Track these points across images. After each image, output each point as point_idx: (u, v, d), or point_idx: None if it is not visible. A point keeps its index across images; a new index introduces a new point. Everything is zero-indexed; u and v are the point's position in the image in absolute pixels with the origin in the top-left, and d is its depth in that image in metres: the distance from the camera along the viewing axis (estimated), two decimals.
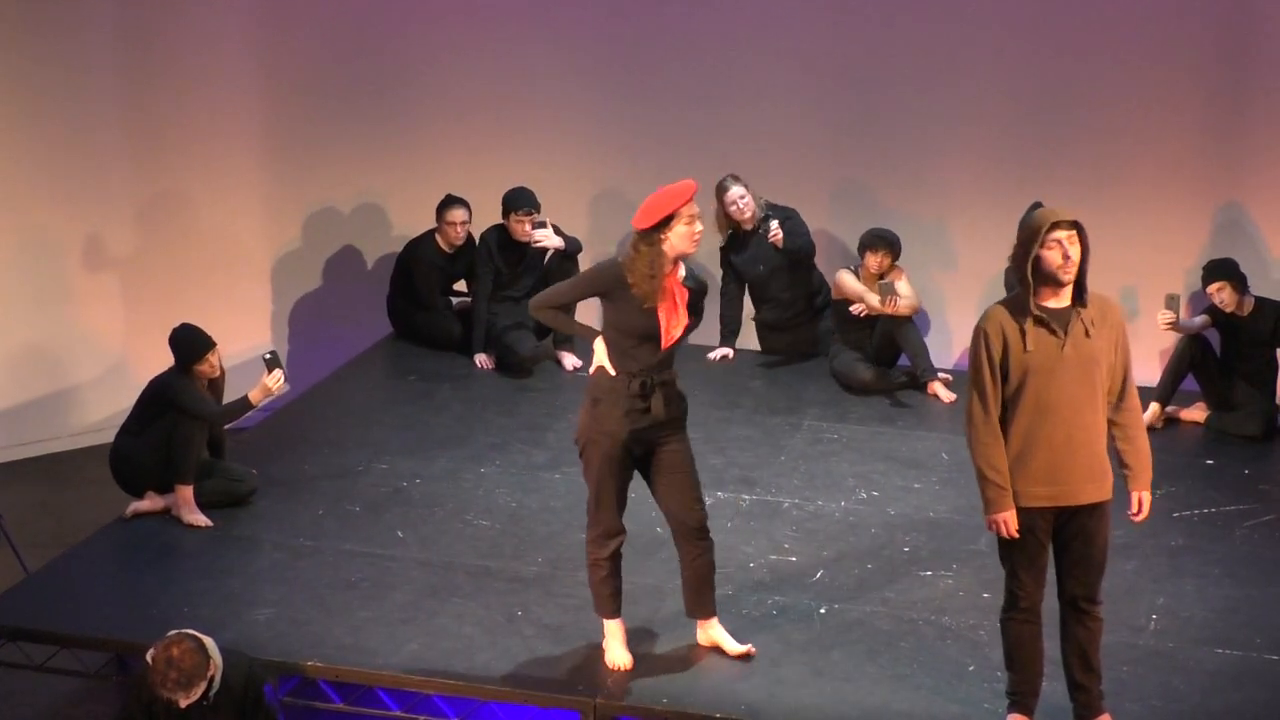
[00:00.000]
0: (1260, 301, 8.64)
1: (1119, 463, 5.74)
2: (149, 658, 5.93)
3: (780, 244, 9.24)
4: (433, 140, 10.21)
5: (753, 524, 7.64)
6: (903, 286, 9.06)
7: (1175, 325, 8.53)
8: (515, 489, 8.00)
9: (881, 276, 9.14)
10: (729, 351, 9.70)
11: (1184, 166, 9.37)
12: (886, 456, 8.37)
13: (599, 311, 6.24)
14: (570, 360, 9.51)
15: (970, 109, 9.59)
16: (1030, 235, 5.56)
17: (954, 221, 9.75)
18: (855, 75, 9.71)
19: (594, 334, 6.20)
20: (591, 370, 6.20)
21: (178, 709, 5.93)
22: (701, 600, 6.43)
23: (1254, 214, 9.35)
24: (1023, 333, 5.59)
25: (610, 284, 6.07)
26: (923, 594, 6.97)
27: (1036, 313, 5.59)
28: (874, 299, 9.09)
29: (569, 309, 6.34)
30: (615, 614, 6.40)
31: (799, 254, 9.37)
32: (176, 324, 7.76)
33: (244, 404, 7.64)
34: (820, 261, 9.61)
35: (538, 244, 9.38)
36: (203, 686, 5.90)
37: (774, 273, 9.47)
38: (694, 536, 6.30)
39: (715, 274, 9.67)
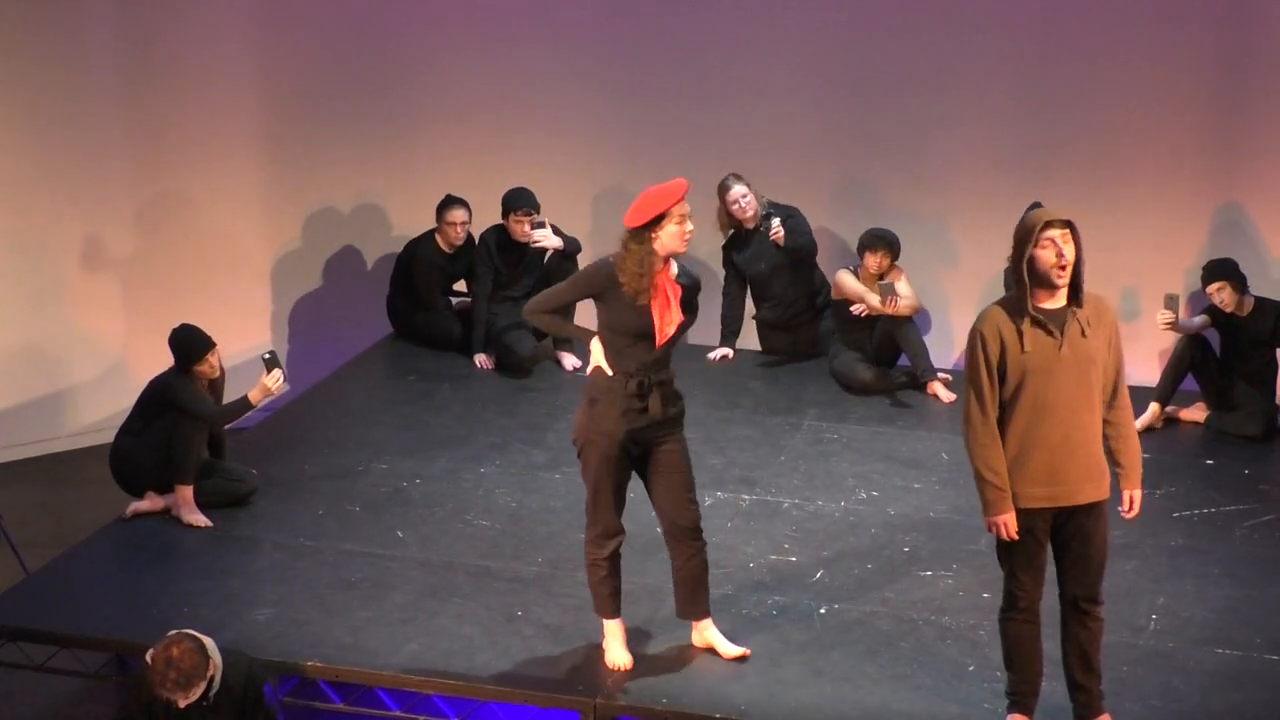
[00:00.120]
0: (1260, 301, 8.64)
1: (1111, 461, 5.75)
2: (148, 658, 5.93)
3: (781, 242, 9.25)
4: (433, 140, 10.21)
5: (753, 524, 7.64)
6: (902, 287, 9.06)
7: (1174, 325, 8.53)
8: (515, 489, 8.00)
9: (881, 277, 9.14)
10: (729, 351, 9.70)
11: (1184, 167, 9.37)
12: (886, 456, 8.37)
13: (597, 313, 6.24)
14: (570, 360, 9.51)
15: (971, 110, 9.59)
16: (1024, 236, 5.57)
17: (954, 221, 9.75)
18: (855, 75, 9.71)
19: (590, 335, 6.20)
20: (589, 370, 6.20)
21: (177, 709, 5.93)
22: (695, 601, 6.42)
23: (1254, 214, 9.35)
24: (1020, 334, 5.59)
25: (602, 284, 6.07)
26: (923, 594, 6.97)
27: (1033, 314, 5.59)
28: (874, 299, 9.09)
29: (564, 312, 6.34)
30: (615, 614, 6.40)
31: (800, 252, 9.38)
32: (176, 324, 7.77)
33: (244, 404, 7.64)
34: (820, 261, 9.61)
35: (536, 244, 9.38)
36: (202, 687, 5.90)
37: (776, 271, 9.47)
38: (686, 537, 6.30)
39: (718, 273, 9.69)
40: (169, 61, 9.90)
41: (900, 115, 9.69)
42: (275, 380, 7.62)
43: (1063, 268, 5.55)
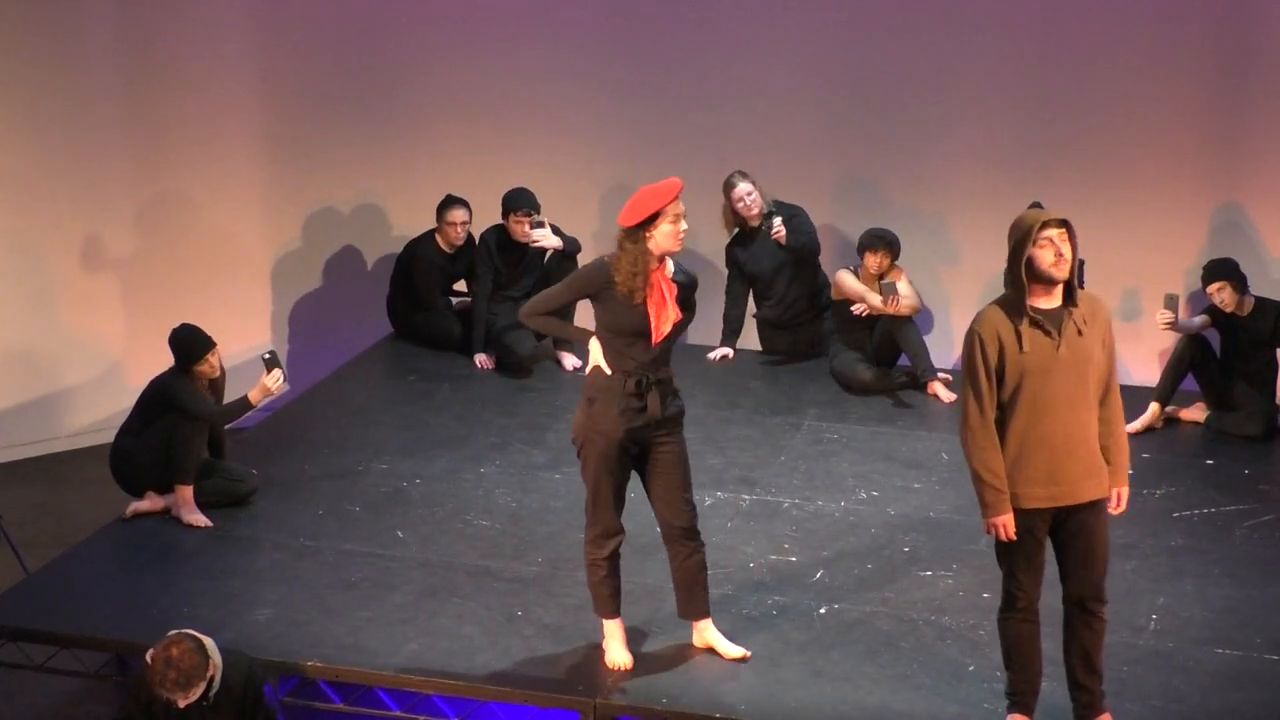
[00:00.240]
0: (1260, 301, 8.63)
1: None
2: (148, 658, 5.93)
3: (783, 241, 9.25)
4: (433, 140, 10.21)
5: (753, 524, 7.64)
6: (903, 286, 9.06)
7: (1174, 325, 8.53)
8: (515, 489, 8.00)
9: (881, 277, 9.14)
10: (729, 351, 9.70)
11: (1184, 167, 9.37)
12: (886, 456, 8.37)
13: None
14: (570, 360, 9.51)
15: (971, 110, 9.59)
16: (1022, 236, 5.57)
17: (954, 221, 9.76)
18: (855, 75, 9.72)
19: (587, 335, 6.21)
20: (588, 370, 6.20)
21: (177, 709, 5.93)
22: (693, 601, 6.42)
23: (1253, 214, 9.35)
24: (1018, 334, 5.59)
25: (598, 285, 6.07)
26: (923, 594, 6.97)
27: (1031, 314, 5.60)
28: (875, 299, 9.09)
29: (561, 313, 6.34)
30: (615, 614, 6.40)
31: (802, 251, 9.38)
32: (176, 324, 7.76)
33: (244, 404, 7.64)
34: (820, 260, 9.61)
35: (536, 244, 9.38)
36: (202, 686, 5.90)
37: (779, 270, 9.48)
38: (682, 537, 6.30)
39: (721, 271, 9.69)
40: (169, 61, 9.90)
41: (900, 115, 9.69)
42: (275, 380, 7.62)
43: (1061, 266, 5.55)
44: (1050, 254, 5.54)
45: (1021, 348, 5.58)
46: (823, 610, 6.84)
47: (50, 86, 9.58)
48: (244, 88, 10.14)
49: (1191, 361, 8.66)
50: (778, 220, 9.26)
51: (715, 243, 9.72)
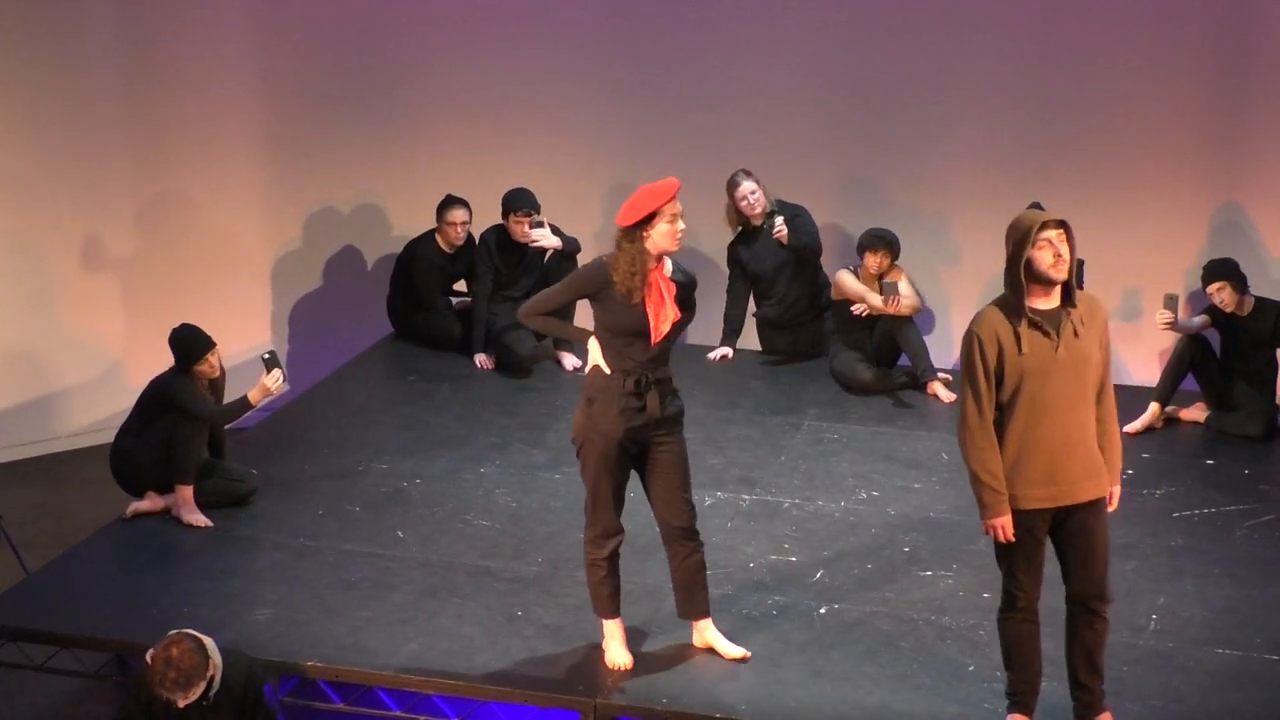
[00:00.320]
0: (1260, 301, 8.63)
1: None
2: (148, 657, 5.93)
3: (785, 240, 9.25)
4: (433, 141, 10.21)
5: (753, 524, 7.64)
6: (903, 286, 9.07)
7: (1174, 325, 8.52)
8: (515, 489, 8.00)
9: (881, 277, 9.14)
10: (729, 351, 9.70)
11: (1184, 167, 9.37)
12: (886, 456, 8.37)
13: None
14: (570, 360, 9.51)
15: (971, 110, 9.59)
16: (1021, 238, 5.57)
17: (954, 221, 9.76)
18: (855, 75, 9.71)
19: (586, 335, 6.21)
20: (587, 370, 6.20)
21: (177, 709, 5.93)
22: (692, 601, 6.42)
23: (1253, 214, 9.35)
24: (1017, 336, 5.59)
25: (596, 285, 6.08)
26: (923, 594, 6.97)
27: (1030, 315, 5.59)
28: (875, 299, 9.09)
29: (560, 313, 6.34)
30: (614, 614, 6.40)
31: (804, 251, 9.38)
32: (176, 324, 7.76)
33: (243, 404, 7.64)
34: (820, 260, 9.62)
35: (535, 244, 9.39)
36: (201, 686, 5.89)
37: (780, 269, 9.48)
38: (680, 537, 6.30)
39: (724, 271, 9.68)
40: (169, 61, 9.90)
41: (900, 115, 9.69)
42: (275, 380, 7.62)
43: (1060, 267, 5.55)
44: (1049, 255, 5.54)
45: (1020, 349, 5.58)
46: (823, 610, 6.84)
47: (50, 86, 9.58)
48: (244, 88, 10.13)
49: (1191, 361, 8.66)
50: (779, 220, 9.26)
51: (717, 242, 9.72)
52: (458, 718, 6.46)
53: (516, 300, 9.40)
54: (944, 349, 9.62)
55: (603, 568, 6.30)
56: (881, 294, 9.07)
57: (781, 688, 6.25)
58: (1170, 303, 8.50)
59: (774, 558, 7.30)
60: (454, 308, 9.97)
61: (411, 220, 10.04)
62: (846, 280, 9.21)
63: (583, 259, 9.37)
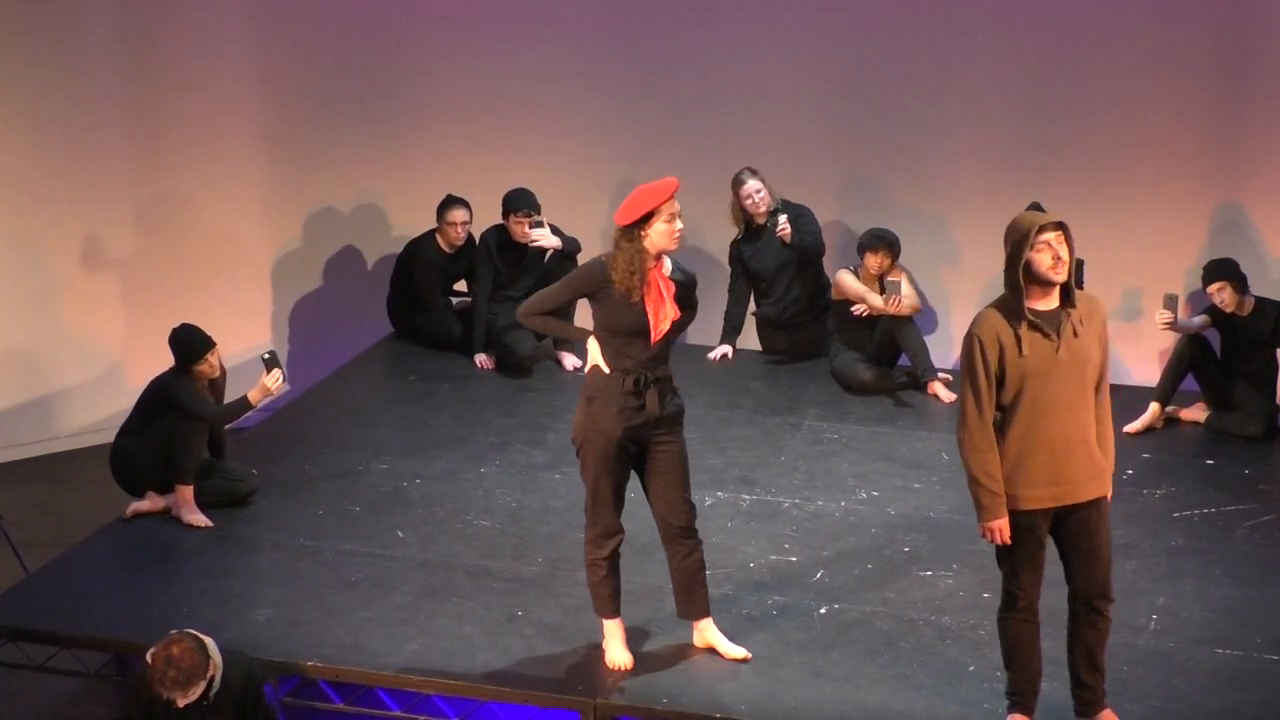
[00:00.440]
0: (1260, 301, 8.63)
1: None
2: (149, 657, 5.93)
3: (788, 239, 9.26)
4: (433, 141, 10.21)
5: (753, 524, 7.64)
6: (904, 286, 9.06)
7: (1173, 325, 8.52)
8: (515, 489, 8.00)
9: (881, 277, 9.14)
10: (729, 349, 9.70)
11: (1184, 167, 9.37)
12: (886, 456, 8.37)
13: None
14: (570, 360, 9.51)
15: (971, 110, 9.59)
16: (1019, 240, 5.57)
17: (955, 221, 9.75)
18: (855, 75, 9.71)
19: (585, 335, 6.21)
20: (586, 369, 6.20)
21: (177, 709, 5.93)
22: (692, 600, 6.42)
23: (1253, 214, 9.34)
24: (1017, 338, 5.59)
25: (595, 284, 6.08)
26: (923, 594, 6.97)
27: (1030, 317, 5.59)
28: (876, 299, 9.09)
29: (559, 313, 6.34)
30: (615, 614, 6.40)
31: (806, 250, 9.39)
32: (176, 324, 7.76)
33: (243, 404, 7.64)
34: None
35: (534, 244, 9.39)
36: (201, 686, 5.90)
37: (782, 268, 9.48)
38: (679, 536, 6.30)
39: (726, 270, 9.68)
40: (169, 61, 9.90)
41: (900, 115, 9.69)
42: (275, 380, 7.62)
43: (1059, 269, 5.55)
44: (1048, 257, 5.54)
45: (1021, 351, 5.58)
46: (823, 610, 6.84)
47: (50, 86, 9.58)
48: (244, 88, 10.13)
49: (1191, 361, 8.66)
50: (783, 218, 9.26)
51: (719, 241, 9.73)
52: (458, 718, 6.46)
53: (516, 300, 9.39)
54: (944, 349, 9.62)
55: (603, 568, 6.30)
56: (882, 294, 9.07)
57: (781, 688, 6.25)
58: (1170, 303, 8.50)
59: (774, 558, 7.30)
60: (454, 308, 9.97)
61: (411, 220, 10.04)
62: (847, 280, 9.21)
63: (583, 259, 9.37)
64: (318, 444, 8.51)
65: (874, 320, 9.17)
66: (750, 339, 9.80)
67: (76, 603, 6.92)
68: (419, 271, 9.77)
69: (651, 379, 6.10)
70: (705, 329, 9.45)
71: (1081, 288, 5.79)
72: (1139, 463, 8.21)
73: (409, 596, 6.96)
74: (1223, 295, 8.54)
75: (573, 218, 9.64)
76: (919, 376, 9.13)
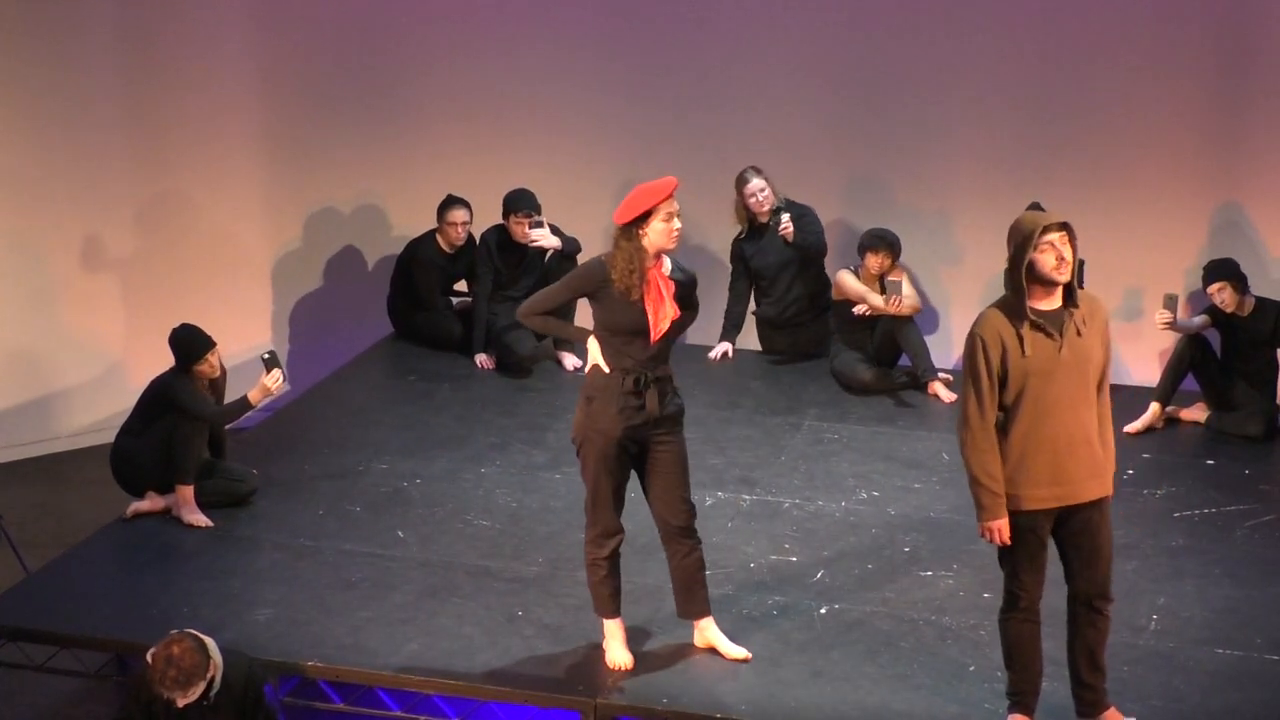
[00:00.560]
0: (1260, 301, 8.63)
1: None
2: (149, 657, 5.93)
3: (790, 238, 9.26)
4: (433, 141, 10.21)
5: (753, 524, 7.64)
6: (905, 286, 9.06)
7: (1173, 325, 8.52)
8: (515, 489, 8.00)
9: (882, 277, 9.14)
10: (729, 348, 9.70)
11: (1184, 167, 9.37)
12: (886, 456, 8.37)
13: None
14: (570, 360, 9.51)
15: (971, 110, 9.59)
16: (1023, 241, 5.56)
17: (955, 221, 9.76)
18: (855, 75, 9.71)
19: (584, 334, 6.21)
20: (586, 369, 6.20)
21: (177, 709, 5.93)
22: (692, 600, 6.42)
23: (1253, 214, 9.35)
24: (1020, 338, 5.59)
25: (594, 283, 6.08)
26: (923, 594, 6.97)
27: (1032, 317, 5.59)
28: (876, 299, 9.09)
29: (559, 313, 6.35)
30: (615, 614, 6.40)
31: (808, 249, 9.39)
32: (176, 324, 7.76)
33: (243, 404, 7.64)
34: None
35: (534, 244, 9.39)
36: (202, 686, 5.89)
37: (784, 267, 9.48)
38: (679, 536, 6.30)
39: (727, 268, 9.68)
40: (169, 61, 9.90)
41: (900, 115, 9.69)
42: (275, 380, 7.62)
43: (1063, 269, 5.55)
44: (1052, 258, 5.54)
45: (1024, 351, 5.58)
46: (823, 610, 6.84)
47: (50, 86, 9.58)
48: (244, 88, 10.13)
49: (1192, 361, 8.66)
50: (785, 217, 9.27)
51: (720, 241, 9.73)
52: (458, 718, 6.45)
53: (516, 300, 9.39)
54: (945, 349, 9.62)
55: (603, 567, 6.30)
56: (883, 294, 9.07)
57: (781, 688, 6.25)
58: (1170, 303, 8.50)
59: (774, 558, 7.30)
60: (454, 308, 9.97)
61: (411, 220, 10.04)
62: (847, 280, 9.21)
63: (583, 259, 9.36)
64: (318, 444, 8.51)
65: (874, 320, 9.17)
66: (750, 339, 9.80)
67: (76, 603, 6.92)
68: (419, 271, 9.77)
69: (651, 378, 6.10)
70: (705, 328, 9.44)
71: (1082, 288, 5.79)
72: (1139, 463, 8.21)
73: (409, 596, 6.96)
74: (1223, 295, 8.54)
75: (573, 218, 9.64)
76: (919, 376, 9.13)
